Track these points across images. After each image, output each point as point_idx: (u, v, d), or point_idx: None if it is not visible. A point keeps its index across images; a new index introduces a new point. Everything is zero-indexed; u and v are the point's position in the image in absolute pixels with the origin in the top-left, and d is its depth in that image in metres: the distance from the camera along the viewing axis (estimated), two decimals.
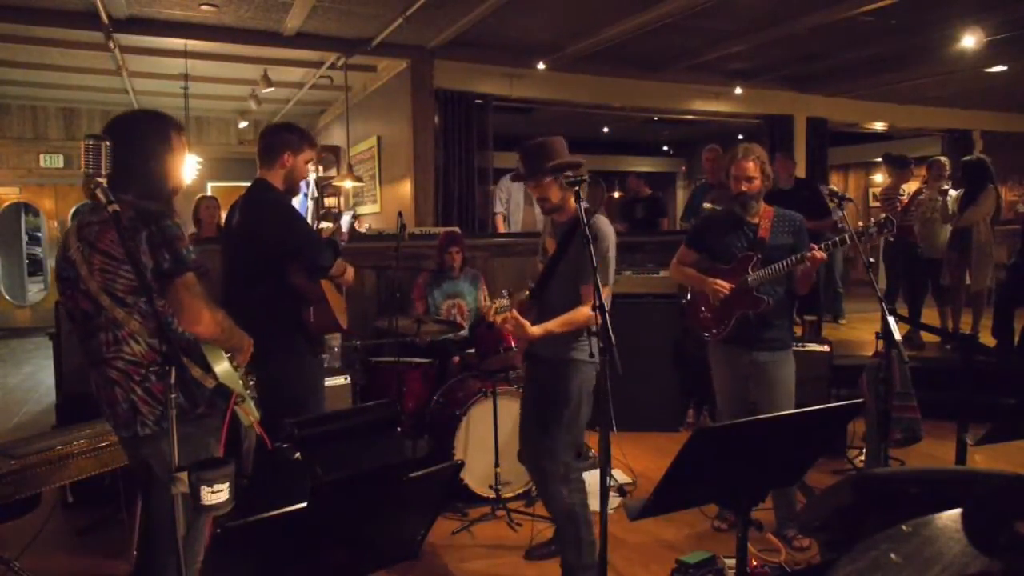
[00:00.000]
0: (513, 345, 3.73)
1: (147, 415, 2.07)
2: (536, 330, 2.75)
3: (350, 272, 3.30)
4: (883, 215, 3.02)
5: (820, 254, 3.08)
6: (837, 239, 3.10)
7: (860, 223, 8.27)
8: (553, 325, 2.77)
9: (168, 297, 2.01)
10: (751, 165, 3.23)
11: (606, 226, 2.83)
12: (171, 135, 2.22)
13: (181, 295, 2.01)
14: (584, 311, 2.72)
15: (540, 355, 2.96)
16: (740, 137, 11.74)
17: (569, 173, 2.61)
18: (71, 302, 2.10)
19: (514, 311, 2.79)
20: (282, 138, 3.08)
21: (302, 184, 3.35)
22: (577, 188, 2.53)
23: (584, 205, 2.65)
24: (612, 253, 2.82)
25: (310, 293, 3.02)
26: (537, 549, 3.30)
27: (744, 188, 3.25)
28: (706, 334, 3.45)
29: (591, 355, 2.85)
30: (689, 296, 3.61)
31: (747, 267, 3.28)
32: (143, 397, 2.06)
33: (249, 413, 2.11)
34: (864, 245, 3.05)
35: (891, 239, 3.04)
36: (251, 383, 2.24)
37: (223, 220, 5.87)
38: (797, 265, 3.15)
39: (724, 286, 3.29)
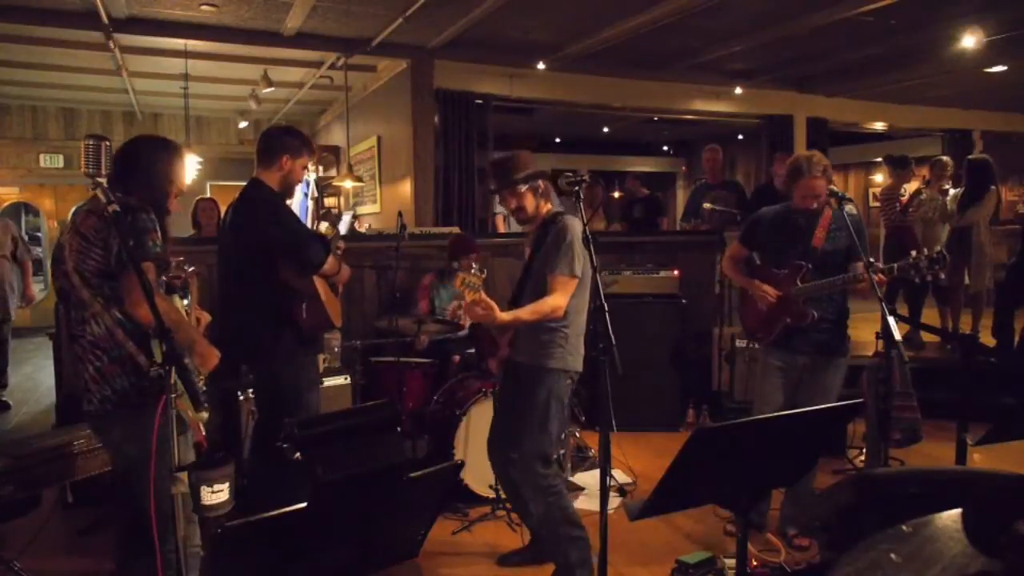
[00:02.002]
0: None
1: (94, 392, 2.21)
2: (506, 316, 2.73)
3: (345, 271, 3.30)
4: (937, 248, 2.93)
5: (880, 277, 2.92)
6: (895, 265, 2.96)
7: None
8: (523, 313, 2.77)
9: (121, 281, 2.15)
10: (821, 184, 3.10)
11: (571, 222, 2.82)
12: (180, 164, 2.44)
13: (131, 280, 2.12)
14: (551, 300, 2.75)
15: (515, 359, 2.95)
16: (740, 137, 11.76)
17: (569, 173, 2.61)
18: (58, 282, 2.28)
19: (483, 293, 2.69)
20: (282, 141, 3.10)
21: (299, 186, 3.36)
22: (578, 189, 2.54)
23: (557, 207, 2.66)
24: (575, 246, 2.76)
25: (302, 290, 3.04)
26: (511, 556, 3.26)
27: (814, 206, 3.16)
28: (755, 337, 3.41)
29: (566, 366, 2.84)
30: (741, 295, 3.56)
31: (796, 277, 3.20)
32: (94, 375, 2.21)
33: (188, 408, 2.12)
34: (912, 276, 2.96)
35: (942, 276, 2.96)
36: (203, 384, 2.27)
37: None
38: (849, 284, 3.05)
39: (770, 292, 3.23)
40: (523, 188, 2.86)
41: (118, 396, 2.19)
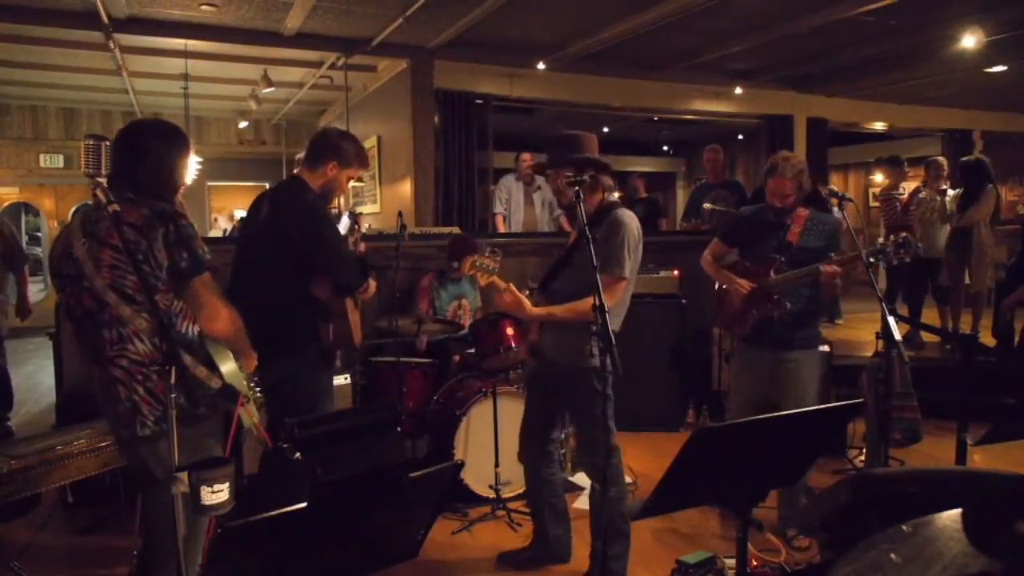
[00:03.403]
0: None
1: (147, 415, 2.06)
2: (538, 311, 2.72)
3: (372, 287, 3.14)
4: (903, 234, 2.95)
5: (833, 269, 3.03)
6: (864, 252, 2.99)
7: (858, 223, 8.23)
8: (558, 310, 2.74)
9: (187, 296, 2.04)
10: (789, 184, 3.18)
11: (625, 217, 2.77)
12: (185, 147, 2.28)
13: (200, 293, 2.04)
14: (590, 301, 2.70)
15: (556, 361, 2.91)
16: (740, 137, 11.76)
17: (569, 173, 2.57)
18: (72, 299, 2.09)
19: (511, 285, 2.72)
20: (335, 145, 2.92)
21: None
22: (578, 188, 2.50)
23: (613, 197, 2.72)
24: (628, 244, 2.75)
25: (333, 308, 2.92)
26: (511, 555, 3.25)
27: (779, 204, 3.25)
28: (731, 331, 3.51)
29: (599, 362, 2.83)
30: (718, 291, 3.65)
31: (770, 270, 3.28)
32: (144, 397, 2.06)
33: (252, 414, 2.11)
34: (880, 264, 3.00)
35: (907, 260, 3.00)
36: (253, 385, 2.24)
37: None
38: (812, 275, 3.11)
39: (744, 285, 3.31)
40: (563, 170, 2.74)
41: (176, 414, 2.11)
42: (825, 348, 4.63)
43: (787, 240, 3.28)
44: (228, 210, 11.38)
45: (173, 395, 1.74)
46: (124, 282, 2.01)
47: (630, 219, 2.79)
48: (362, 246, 3.31)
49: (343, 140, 2.96)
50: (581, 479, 4.13)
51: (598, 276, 2.36)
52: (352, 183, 7.73)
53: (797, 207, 3.28)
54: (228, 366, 2.07)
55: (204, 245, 2.07)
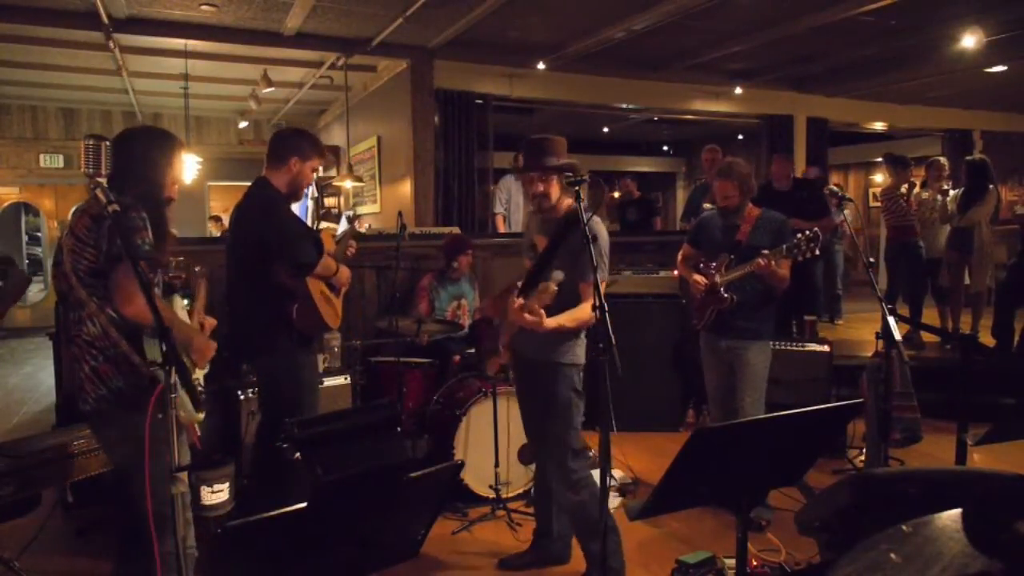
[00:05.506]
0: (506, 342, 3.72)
1: (89, 392, 2.21)
2: (551, 322, 2.73)
3: (344, 273, 3.28)
4: (808, 231, 3.18)
5: (761, 262, 3.28)
6: (784, 247, 3.26)
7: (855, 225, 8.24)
8: (564, 319, 2.75)
9: (109, 279, 2.14)
10: (729, 185, 3.52)
11: (599, 225, 2.85)
12: (175, 153, 2.41)
13: (120, 277, 2.12)
14: (588, 308, 2.73)
15: (524, 355, 2.97)
16: (740, 137, 11.77)
17: (569, 173, 2.61)
18: (57, 283, 2.28)
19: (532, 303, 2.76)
20: (293, 142, 3.12)
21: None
22: (577, 189, 2.52)
23: (584, 204, 2.66)
24: (607, 251, 2.84)
25: (295, 291, 3.04)
26: (512, 559, 3.24)
27: (724, 204, 3.59)
28: (695, 323, 3.77)
29: (575, 358, 2.87)
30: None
31: (721, 267, 3.54)
32: (89, 375, 2.20)
33: (181, 409, 2.12)
34: (786, 259, 3.26)
35: (816, 254, 3.22)
36: (199, 383, 2.27)
37: None
38: (750, 270, 3.37)
39: (700, 282, 3.59)
40: (554, 176, 2.83)
41: (114, 396, 2.18)
42: (825, 348, 4.65)
43: (737, 239, 3.55)
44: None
45: (173, 395, 1.75)
46: (79, 265, 2.17)
47: (595, 223, 2.81)
48: (352, 249, 3.46)
49: (300, 137, 3.18)
50: None
51: (596, 278, 2.35)
52: (351, 183, 7.76)
53: (748, 207, 3.57)
54: (153, 356, 2.13)
55: (147, 237, 2.16)
